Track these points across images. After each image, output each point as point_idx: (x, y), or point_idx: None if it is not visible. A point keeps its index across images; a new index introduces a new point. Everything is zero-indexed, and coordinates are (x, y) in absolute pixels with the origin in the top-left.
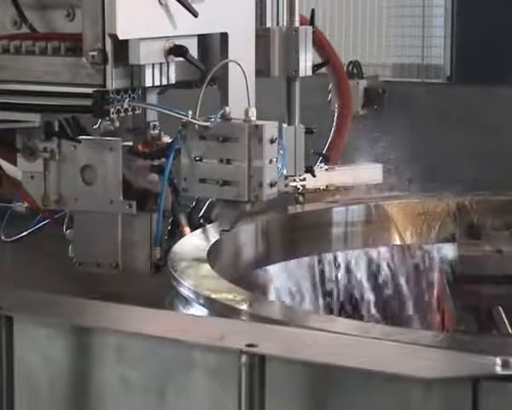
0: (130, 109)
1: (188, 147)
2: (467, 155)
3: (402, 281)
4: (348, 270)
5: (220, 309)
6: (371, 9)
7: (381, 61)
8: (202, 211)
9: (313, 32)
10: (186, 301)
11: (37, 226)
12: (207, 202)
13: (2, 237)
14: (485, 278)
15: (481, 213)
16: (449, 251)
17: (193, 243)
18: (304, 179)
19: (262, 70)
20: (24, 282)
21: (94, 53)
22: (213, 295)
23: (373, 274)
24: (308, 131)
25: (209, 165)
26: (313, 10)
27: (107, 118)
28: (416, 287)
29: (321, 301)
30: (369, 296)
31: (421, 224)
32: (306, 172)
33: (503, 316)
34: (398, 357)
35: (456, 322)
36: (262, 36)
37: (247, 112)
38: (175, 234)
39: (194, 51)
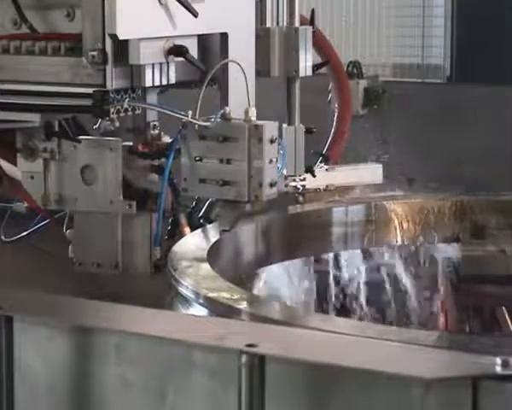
0: (130, 109)
1: (188, 147)
2: (467, 155)
3: (404, 281)
4: (348, 270)
5: (220, 309)
6: (371, 9)
7: (381, 61)
8: (202, 211)
9: (313, 32)
10: (186, 301)
11: (37, 226)
12: (207, 202)
13: (2, 237)
14: (489, 278)
15: (485, 213)
16: (452, 251)
17: (193, 243)
18: (304, 179)
19: (262, 70)
20: (24, 282)
21: (94, 53)
22: (213, 295)
23: (374, 274)
24: (308, 131)
25: (209, 165)
26: (313, 10)
27: (107, 118)
28: (419, 287)
29: (321, 301)
30: (370, 296)
31: (423, 223)
32: (306, 172)
33: (507, 316)
34: (398, 357)
35: (459, 322)
36: (262, 36)
37: (247, 112)
38: (175, 234)
39: (194, 51)
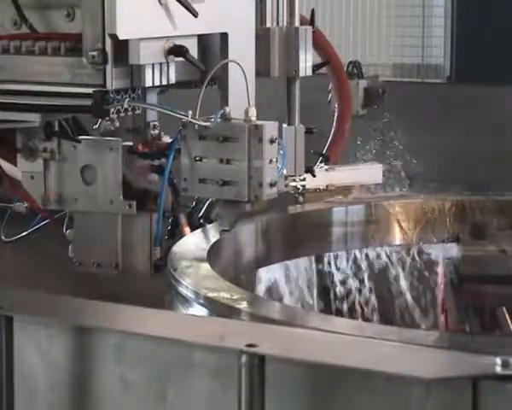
0: (130, 109)
1: (188, 147)
2: (467, 155)
3: (405, 281)
4: (348, 270)
5: (220, 309)
6: (371, 9)
7: (381, 61)
8: (202, 211)
9: (313, 32)
10: (186, 301)
11: (37, 226)
12: (207, 202)
13: (3, 237)
14: (489, 278)
15: (485, 213)
16: (453, 251)
17: (193, 243)
18: (304, 179)
19: (262, 70)
20: (24, 282)
21: (94, 53)
22: (213, 295)
23: (374, 274)
24: (308, 131)
25: (209, 165)
26: (313, 10)
27: (107, 118)
28: (420, 287)
29: (321, 301)
30: (370, 297)
31: (424, 223)
32: (306, 172)
33: (507, 316)
34: (398, 357)
35: (460, 322)
36: (262, 36)
37: (247, 112)
38: (175, 234)
39: (194, 51)
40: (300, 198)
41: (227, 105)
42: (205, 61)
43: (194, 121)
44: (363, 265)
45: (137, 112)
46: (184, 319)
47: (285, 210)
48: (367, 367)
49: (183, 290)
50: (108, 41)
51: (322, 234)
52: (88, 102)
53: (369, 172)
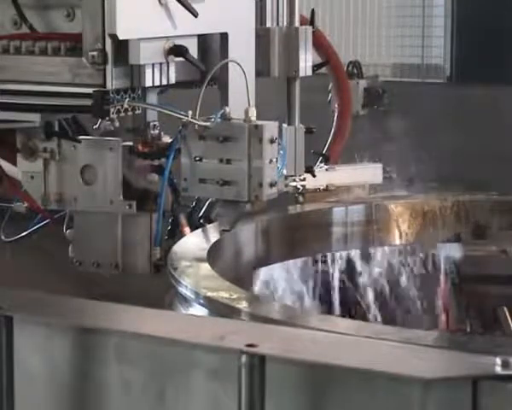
0: (130, 109)
1: (188, 147)
2: (467, 155)
3: (405, 281)
4: (349, 270)
5: (220, 309)
6: (371, 9)
7: (381, 61)
8: (202, 211)
9: (313, 32)
10: (186, 301)
11: (37, 226)
12: (207, 202)
13: (2, 237)
14: (490, 278)
15: (486, 213)
16: (453, 251)
17: (193, 242)
18: (304, 179)
19: (262, 70)
20: (24, 282)
21: (94, 53)
22: (213, 295)
23: (374, 274)
24: (308, 131)
25: (209, 165)
26: (313, 10)
27: (107, 118)
28: (420, 287)
29: (321, 301)
30: (371, 297)
31: (424, 223)
32: (306, 172)
33: (508, 316)
34: (398, 357)
35: (460, 322)
36: (262, 36)
37: (247, 112)
38: (175, 234)
39: (194, 51)
40: (300, 198)
41: (227, 105)
42: (205, 61)
43: (194, 121)
44: (363, 265)
45: (137, 112)
46: (184, 319)
47: (285, 210)
48: (367, 367)
49: (183, 290)
50: (108, 41)
51: (322, 234)
52: (88, 102)
53: (369, 172)
